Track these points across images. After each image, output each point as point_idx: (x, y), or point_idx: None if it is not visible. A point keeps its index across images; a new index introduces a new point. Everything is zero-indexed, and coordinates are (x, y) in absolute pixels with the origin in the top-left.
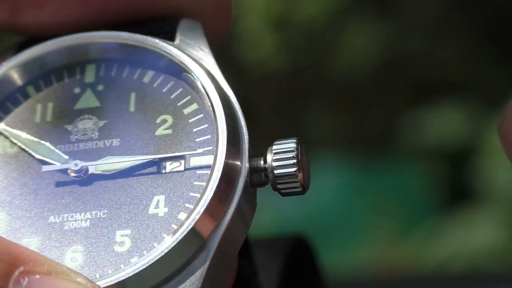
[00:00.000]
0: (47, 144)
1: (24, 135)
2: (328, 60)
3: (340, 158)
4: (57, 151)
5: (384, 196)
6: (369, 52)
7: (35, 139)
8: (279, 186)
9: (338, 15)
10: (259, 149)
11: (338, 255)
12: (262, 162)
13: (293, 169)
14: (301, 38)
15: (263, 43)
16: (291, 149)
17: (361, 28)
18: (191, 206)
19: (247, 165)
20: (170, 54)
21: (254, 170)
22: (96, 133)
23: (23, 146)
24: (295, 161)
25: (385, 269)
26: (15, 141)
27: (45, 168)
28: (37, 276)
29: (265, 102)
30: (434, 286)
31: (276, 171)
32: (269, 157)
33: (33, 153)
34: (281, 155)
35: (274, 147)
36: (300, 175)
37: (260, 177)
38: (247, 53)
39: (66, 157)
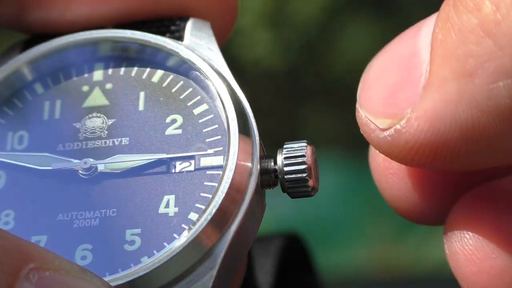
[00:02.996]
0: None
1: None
2: (326, 59)
3: (337, 157)
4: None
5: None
6: (367, 50)
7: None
8: (289, 189)
9: (335, 13)
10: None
11: (335, 254)
12: (272, 163)
13: (304, 173)
14: (298, 36)
15: (259, 42)
16: (302, 152)
17: (359, 26)
18: (202, 207)
19: (258, 166)
20: (180, 54)
21: (264, 172)
22: (105, 131)
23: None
24: (306, 165)
25: (382, 269)
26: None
27: (54, 165)
28: (47, 273)
29: (261, 101)
30: (431, 287)
31: (287, 176)
32: (280, 159)
33: (39, 153)
34: (292, 159)
35: (285, 150)
36: (311, 179)
37: (270, 179)
38: (243, 52)
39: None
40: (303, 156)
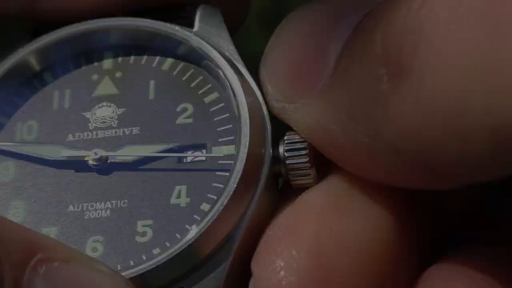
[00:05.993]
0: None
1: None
2: None
3: None
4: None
5: None
6: None
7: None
8: (290, 180)
9: None
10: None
11: None
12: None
13: (306, 164)
14: None
15: (255, 41)
16: (304, 143)
17: None
18: (214, 197)
19: (270, 155)
20: (190, 41)
21: (276, 160)
22: (115, 121)
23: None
24: (307, 156)
25: None
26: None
27: (64, 155)
28: (55, 264)
29: None
30: None
31: (288, 166)
32: (281, 149)
33: (49, 143)
34: (294, 151)
35: (286, 140)
36: (312, 169)
37: (280, 168)
38: (239, 49)
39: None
40: (304, 148)
